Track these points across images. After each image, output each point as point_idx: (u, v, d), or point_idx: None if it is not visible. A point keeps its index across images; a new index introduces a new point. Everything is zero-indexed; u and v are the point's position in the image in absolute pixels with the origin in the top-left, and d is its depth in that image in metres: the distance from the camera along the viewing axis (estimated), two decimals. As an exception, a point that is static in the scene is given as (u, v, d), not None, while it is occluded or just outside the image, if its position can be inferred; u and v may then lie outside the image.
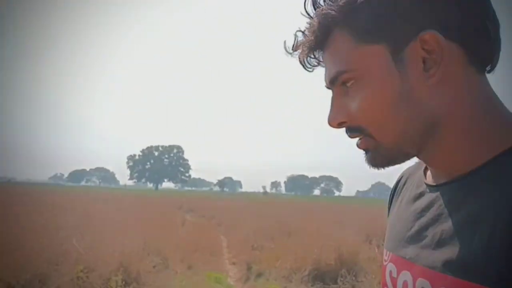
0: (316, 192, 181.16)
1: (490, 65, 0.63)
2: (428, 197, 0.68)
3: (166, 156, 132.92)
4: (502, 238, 0.52)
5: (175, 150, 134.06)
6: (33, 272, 5.46)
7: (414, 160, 0.70)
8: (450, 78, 0.61)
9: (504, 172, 0.57)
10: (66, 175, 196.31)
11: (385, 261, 0.74)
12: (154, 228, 11.03)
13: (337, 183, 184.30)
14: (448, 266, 0.57)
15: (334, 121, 0.66)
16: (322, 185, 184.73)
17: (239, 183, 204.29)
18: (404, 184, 0.81)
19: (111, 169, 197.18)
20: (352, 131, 0.66)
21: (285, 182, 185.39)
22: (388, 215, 0.84)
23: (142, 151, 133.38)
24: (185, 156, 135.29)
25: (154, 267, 6.84)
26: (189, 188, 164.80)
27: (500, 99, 0.64)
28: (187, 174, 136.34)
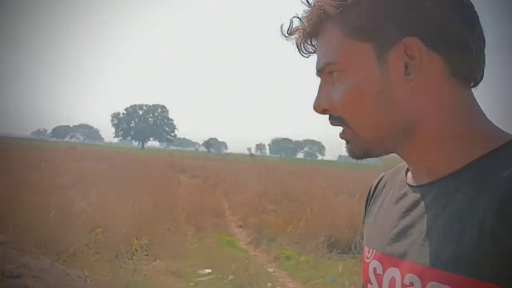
0: (300, 155, 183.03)
1: (474, 80, 0.66)
2: (412, 197, 0.70)
3: (151, 115, 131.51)
4: (492, 231, 0.54)
5: (159, 110, 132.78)
6: (45, 234, 5.20)
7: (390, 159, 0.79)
8: (429, 85, 0.64)
9: (486, 173, 0.60)
10: (49, 130, 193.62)
11: (368, 258, 0.76)
12: (154, 188, 10.81)
13: (320, 147, 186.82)
14: (438, 260, 0.59)
15: (319, 107, 0.70)
16: (306, 148, 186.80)
17: (224, 144, 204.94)
18: (383, 187, 0.84)
19: (95, 126, 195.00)
20: (334, 120, 0.69)
21: (269, 145, 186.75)
22: (365, 215, 0.86)
23: (126, 109, 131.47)
24: (170, 116, 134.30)
25: (168, 229, 6.65)
26: (175, 148, 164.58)
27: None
28: (172, 134, 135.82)
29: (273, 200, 10.37)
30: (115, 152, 40.48)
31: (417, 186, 0.69)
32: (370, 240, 0.78)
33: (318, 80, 0.72)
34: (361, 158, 0.71)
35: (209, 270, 5.28)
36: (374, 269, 0.73)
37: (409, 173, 0.74)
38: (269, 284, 5.09)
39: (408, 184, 0.72)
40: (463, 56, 0.64)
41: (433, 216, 0.63)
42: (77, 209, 6.51)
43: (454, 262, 0.57)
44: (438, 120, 0.65)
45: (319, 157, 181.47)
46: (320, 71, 0.69)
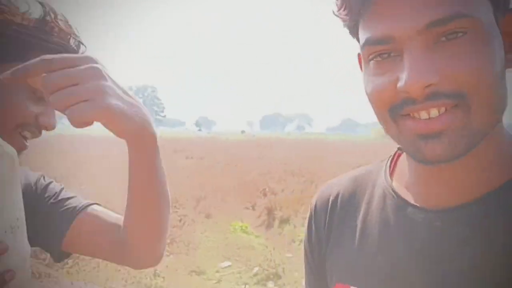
0: (288, 128, 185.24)
1: None
2: (428, 221, 0.56)
3: (140, 95, 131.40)
4: None
5: (149, 90, 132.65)
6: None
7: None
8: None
9: None
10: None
11: None
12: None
13: (309, 120, 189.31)
14: None
15: (423, 81, 0.48)
16: (296, 121, 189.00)
17: (214, 122, 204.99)
18: (347, 202, 0.68)
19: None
20: (438, 98, 0.49)
21: (260, 121, 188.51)
22: (324, 242, 0.68)
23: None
24: (159, 96, 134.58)
25: (179, 220, 6.30)
26: (164, 127, 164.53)
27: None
28: (162, 114, 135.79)
29: (276, 179, 10.04)
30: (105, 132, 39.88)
31: (437, 211, 0.56)
32: (358, 277, 0.62)
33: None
34: (461, 155, 0.51)
35: (229, 263, 4.96)
36: None
37: (406, 191, 0.61)
38: (296, 274, 4.78)
39: (417, 206, 0.58)
40: None
41: (475, 245, 0.52)
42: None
43: None
44: (501, 125, 0.55)
45: (307, 129, 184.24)
46: (430, 25, 0.48)
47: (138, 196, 0.75)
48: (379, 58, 0.53)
